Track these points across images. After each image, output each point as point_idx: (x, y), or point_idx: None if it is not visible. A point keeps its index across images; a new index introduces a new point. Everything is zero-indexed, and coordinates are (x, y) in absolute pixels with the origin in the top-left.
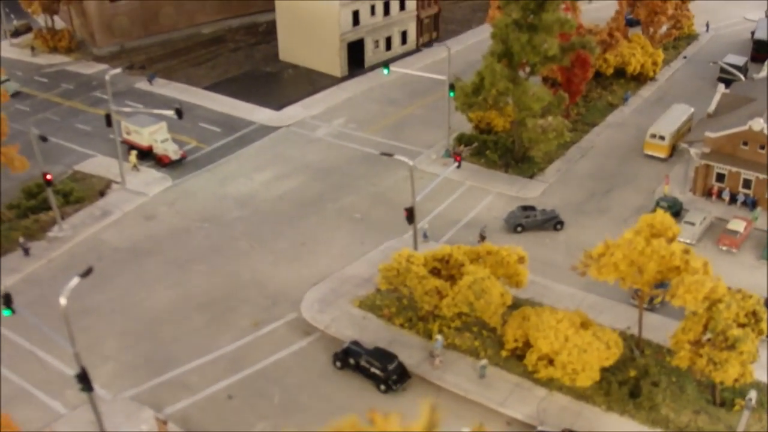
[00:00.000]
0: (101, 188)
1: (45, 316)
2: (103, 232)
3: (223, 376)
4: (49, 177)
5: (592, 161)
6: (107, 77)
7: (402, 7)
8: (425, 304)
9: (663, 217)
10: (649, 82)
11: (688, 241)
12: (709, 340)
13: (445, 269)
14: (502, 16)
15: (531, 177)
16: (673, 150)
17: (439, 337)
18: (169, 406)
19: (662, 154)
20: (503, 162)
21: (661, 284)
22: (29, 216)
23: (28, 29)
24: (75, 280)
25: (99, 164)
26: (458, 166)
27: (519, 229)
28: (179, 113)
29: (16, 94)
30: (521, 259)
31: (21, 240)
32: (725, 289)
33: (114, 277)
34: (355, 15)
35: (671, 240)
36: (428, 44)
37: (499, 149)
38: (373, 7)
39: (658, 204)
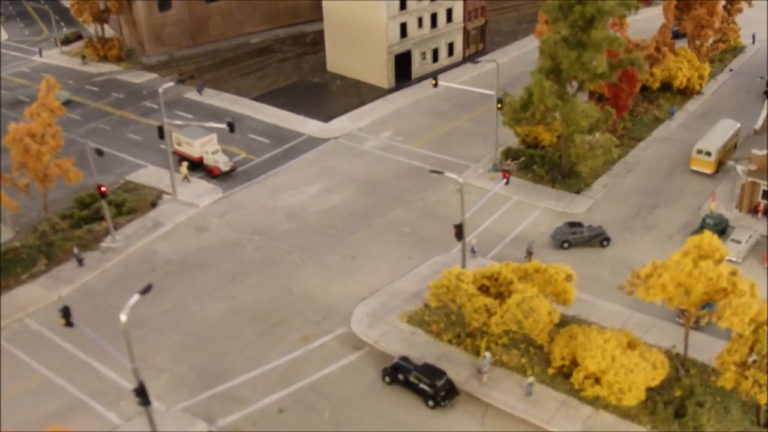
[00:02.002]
0: (153, 199)
1: (99, 327)
2: (156, 243)
3: (274, 390)
4: (103, 189)
5: (638, 177)
6: (160, 90)
7: (449, 19)
8: (474, 321)
9: (710, 238)
10: (695, 95)
11: (734, 258)
12: (754, 361)
13: (494, 287)
14: (551, 33)
15: (577, 192)
16: (720, 166)
17: (487, 354)
18: (222, 418)
19: (708, 170)
20: (550, 177)
21: (708, 305)
22: (82, 226)
23: (78, 37)
24: (135, 297)
25: (150, 174)
26: (507, 183)
27: (566, 245)
28: (231, 127)
29: (67, 103)
30: (569, 277)
31: (75, 250)
32: None
33: (166, 289)
34: (403, 27)
35: (719, 262)
36: (474, 56)
37: (546, 164)
38: (420, 20)
39: (704, 221)
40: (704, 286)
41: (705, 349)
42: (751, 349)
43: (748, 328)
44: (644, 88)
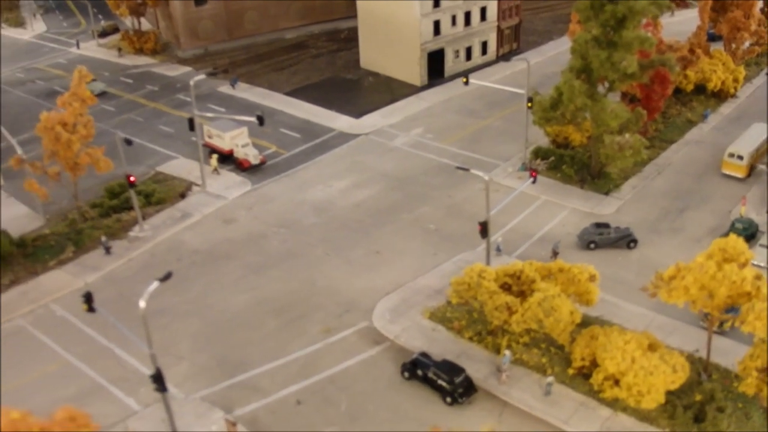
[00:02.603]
0: (182, 190)
1: (122, 314)
2: (183, 233)
3: (293, 381)
4: (132, 179)
5: (668, 179)
6: (192, 82)
7: (483, 17)
8: (495, 319)
9: (736, 242)
10: (729, 99)
11: (762, 264)
12: None
13: (516, 285)
14: (582, 32)
15: (606, 193)
16: (752, 170)
17: (507, 352)
18: (239, 408)
19: (740, 174)
20: (579, 177)
21: (732, 309)
22: (111, 215)
23: (115, 30)
24: (154, 284)
25: (180, 166)
26: (534, 182)
27: (592, 246)
28: (261, 120)
29: (102, 94)
30: (592, 278)
31: (103, 239)
32: None
33: (191, 278)
34: (436, 25)
35: (744, 265)
36: (508, 55)
37: (575, 164)
38: (454, 18)
39: (733, 225)
40: (728, 290)
41: (729, 353)
42: None
43: None
44: (678, 91)
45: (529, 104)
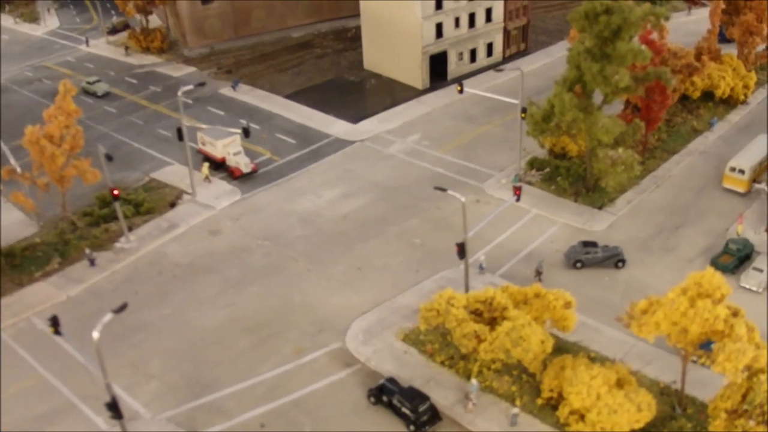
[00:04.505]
0: (172, 199)
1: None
2: (168, 245)
3: (259, 403)
4: (116, 193)
5: (667, 192)
6: (180, 93)
7: (488, 19)
8: (462, 347)
9: (712, 276)
10: (739, 105)
11: (753, 288)
12: (746, 411)
13: (487, 311)
14: (576, 43)
15: (600, 208)
16: (755, 182)
17: (473, 381)
18: (203, 429)
19: (741, 189)
20: (573, 190)
21: (708, 342)
22: (101, 224)
23: (125, 26)
24: (108, 316)
25: (174, 173)
26: (517, 200)
27: (578, 265)
28: (246, 132)
29: (105, 95)
30: (568, 305)
31: (87, 251)
32: None
33: (170, 293)
34: (439, 27)
35: (719, 301)
36: (515, 57)
37: (570, 176)
38: (457, 20)
39: (727, 246)
40: (700, 327)
41: (707, 385)
42: (744, 398)
43: (741, 376)
44: (685, 98)
45: (523, 115)
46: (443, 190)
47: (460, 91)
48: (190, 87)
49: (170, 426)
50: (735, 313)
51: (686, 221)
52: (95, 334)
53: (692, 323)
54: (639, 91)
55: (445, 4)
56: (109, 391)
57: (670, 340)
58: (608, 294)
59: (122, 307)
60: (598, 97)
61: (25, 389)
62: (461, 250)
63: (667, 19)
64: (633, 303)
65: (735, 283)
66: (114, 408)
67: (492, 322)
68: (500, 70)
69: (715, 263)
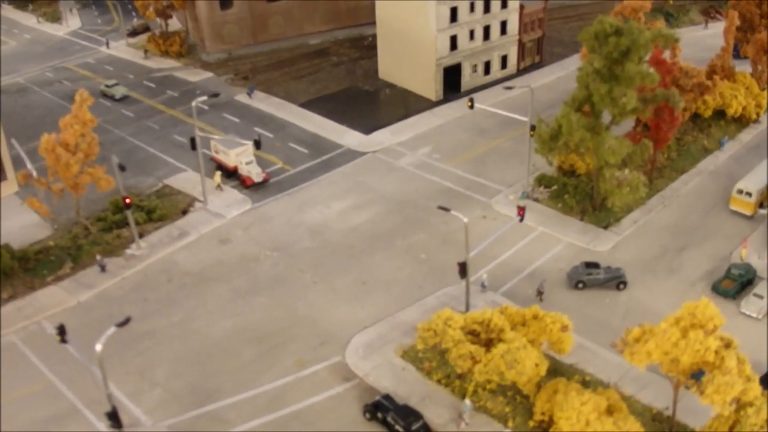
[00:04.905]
0: (184, 207)
1: (108, 337)
2: (178, 253)
3: (259, 414)
4: (128, 201)
5: (673, 213)
6: (194, 104)
7: (503, 31)
8: (458, 367)
9: (706, 306)
10: (751, 124)
11: (753, 315)
12: None
13: (484, 333)
14: (585, 63)
15: (605, 227)
16: (761, 207)
17: (467, 400)
18: None
19: (748, 212)
20: (580, 208)
21: (700, 372)
22: (113, 230)
23: (145, 29)
24: (111, 329)
25: (187, 180)
26: (521, 220)
27: (580, 285)
28: (257, 144)
29: (123, 98)
30: (564, 328)
31: (98, 257)
32: (758, 391)
33: (179, 301)
34: (453, 40)
35: (712, 331)
36: (530, 69)
37: (578, 194)
38: (472, 32)
39: (729, 270)
40: (691, 358)
41: (699, 413)
42: (731, 430)
43: (729, 408)
44: (696, 116)
45: (532, 133)
46: (446, 210)
47: (471, 107)
48: (204, 98)
49: None
50: (728, 345)
51: (691, 243)
52: (98, 347)
53: (683, 354)
54: (647, 112)
55: (460, 17)
56: (110, 401)
57: (662, 369)
58: (608, 316)
59: (125, 321)
60: (607, 116)
61: (34, 392)
62: (462, 270)
63: (676, 41)
64: (628, 329)
65: (735, 309)
66: (114, 417)
67: (489, 343)
68: (509, 88)
69: (717, 288)
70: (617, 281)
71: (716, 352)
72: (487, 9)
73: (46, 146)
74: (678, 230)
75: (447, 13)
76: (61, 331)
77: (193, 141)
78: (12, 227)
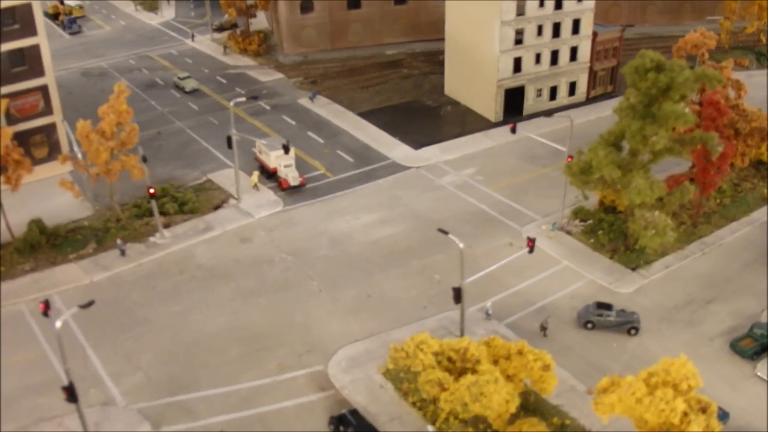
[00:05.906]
0: (218, 202)
1: (108, 317)
2: (197, 246)
3: (227, 411)
4: (152, 191)
5: (710, 262)
6: (231, 103)
7: (573, 58)
8: (425, 393)
9: (683, 365)
10: None
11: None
12: None
13: (460, 361)
14: (623, 98)
15: (634, 269)
16: None
17: (430, 427)
18: (167, 426)
19: None
20: (611, 247)
21: None
22: (144, 218)
23: (233, 26)
24: (74, 310)
25: (229, 176)
26: (530, 251)
27: (589, 325)
28: (286, 149)
29: (193, 91)
30: (546, 367)
31: (119, 241)
32: None
33: (184, 293)
34: (517, 62)
35: (686, 392)
36: (601, 98)
37: (612, 232)
38: (538, 56)
39: (752, 329)
40: (656, 417)
41: None
42: None
43: None
44: (761, 163)
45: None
46: (445, 233)
47: (513, 131)
48: (242, 99)
49: (138, 417)
50: (704, 409)
51: (721, 296)
52: (57, 324)
53: (647, 411)
54: (684, 154)
55: (526, 40)
56: (68, 376)
57: (633, 425)
58: (610, 362)
59: (89, 304)
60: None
61: (28, 360)
62: (458, 295)
63: (720, 83)
64: (605, 377)
65: (750, 370)
66: (70, 391)
67: (463, 372)
68: (550, 116)
69: (735, 346)
70: (629, 326)
71: (685, 415)
72: (556, 34)
73: (81, 131)
74: (710, 281)
75: (511, 35)
76: (46, 305)
77: (229, 139)
78: (57, 204)
